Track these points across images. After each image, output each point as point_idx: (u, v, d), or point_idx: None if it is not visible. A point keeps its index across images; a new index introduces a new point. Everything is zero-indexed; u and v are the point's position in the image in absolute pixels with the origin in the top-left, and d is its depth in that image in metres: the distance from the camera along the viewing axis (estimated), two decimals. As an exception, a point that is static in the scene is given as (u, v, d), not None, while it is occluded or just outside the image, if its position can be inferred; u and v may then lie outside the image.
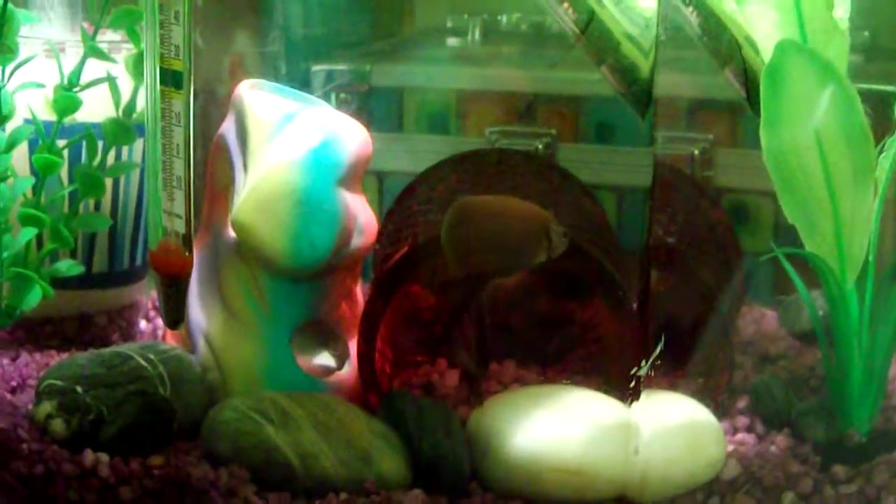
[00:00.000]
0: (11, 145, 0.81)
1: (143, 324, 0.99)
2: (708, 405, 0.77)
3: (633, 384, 0.70)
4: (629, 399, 0.71)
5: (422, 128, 1.03)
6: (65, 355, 0.89)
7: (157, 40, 0.65)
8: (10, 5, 0.78)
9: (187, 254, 0.68)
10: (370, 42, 1.12)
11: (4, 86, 0.80)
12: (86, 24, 0.89)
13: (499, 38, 1.11)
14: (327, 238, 0.78)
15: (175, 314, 0.71)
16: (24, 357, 0.88)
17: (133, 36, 0.83)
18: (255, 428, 0.72)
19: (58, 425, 0.76)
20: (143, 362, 0.78)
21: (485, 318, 0.89)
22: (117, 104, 0.84)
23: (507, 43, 1.11)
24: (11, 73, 0.79)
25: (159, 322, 0.99)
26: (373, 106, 1.02)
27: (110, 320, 0.95)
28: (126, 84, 0.85)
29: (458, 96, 1.03)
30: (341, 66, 1.05)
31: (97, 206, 0.89)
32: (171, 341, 0.88)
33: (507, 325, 0.89)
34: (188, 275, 0.70)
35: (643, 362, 0.70)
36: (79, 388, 0.76)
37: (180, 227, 0.67)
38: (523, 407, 0.74)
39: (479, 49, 1.09)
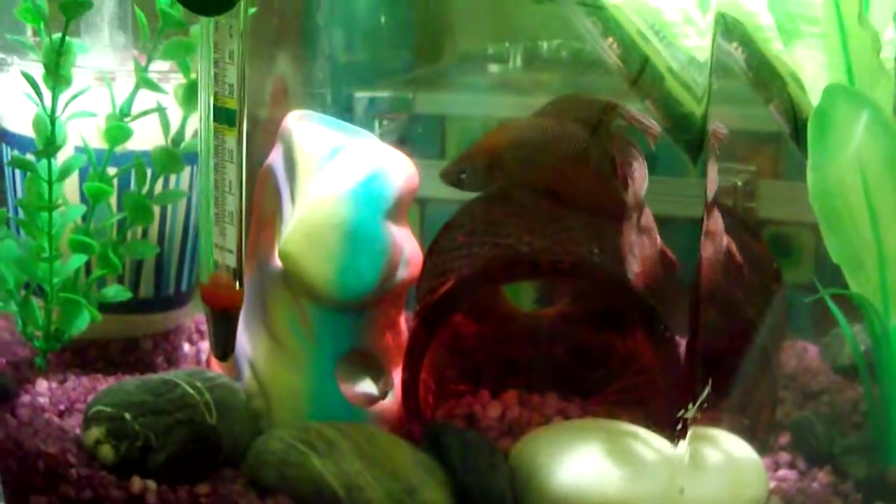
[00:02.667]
0: (64, 174, 0.83)
1: (186, 347, 0.99)
2: (750, 441, 0.77)
3: (679, 426, 0.70)
4: (675, 439, 0.71)
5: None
6: (111, 379, 0.90)
7: (212, 79, 0.65)
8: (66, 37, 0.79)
9: (238, 288, 0.69)
10: (412, 69, 1.13)
11: (59, 116, 0.81)
12: (135, 53, 0.90)
13: (539, 65, 1.11)
14: (373, 270, 0.79)
15: (225, 347, 0.72)
16: (72, 380, 0.90)
17: (184, 67, 0.84)
18: (300, 458, 0.72)
19: (106, 451, 0.77)
20: (190, 390, 0.79)
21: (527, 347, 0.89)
22: (167, 133, 0.85)
23: (547, 70, 1.11)
24: (67, 104, 0.80)
25: (202, 345, 1.00)
26: (415, 133, 1.03)
27: (155, 344, 0.96)
28: (175, 113, 0.85)
29: (499, 124, 1.03)
30: (384, 94, 1.06)
31: (145, 233, 0.90)
32: (216, 368, 0.89)
33: (547, 355, 0.89)
34: (238, 309, 0.71)
35: (690, 404, 0.70)
36: (127, 415, 0.77)
37: (231, 261, 0.69)
38: (566, 441, 0.75)
39: (521, 76, 1.10)
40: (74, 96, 0.80)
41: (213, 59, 0.65)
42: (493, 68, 1.12)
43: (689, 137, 0.75)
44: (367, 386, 0.84)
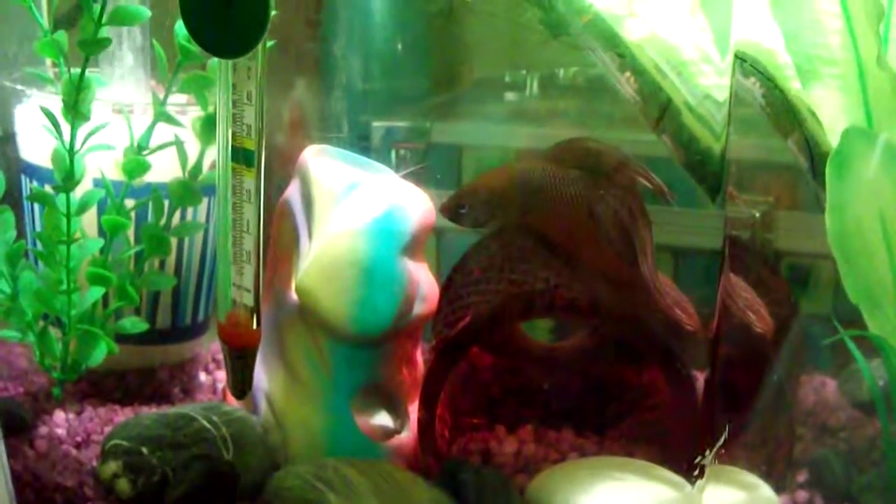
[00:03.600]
0: (83, 208, 0.83)
1: (202, 376, 0.99)
2: (767, 479, 0.77)
3: (697, 470, 0.70)
4: (693, 479, 0.71)
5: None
6: (128, 410, 0.90)
7: (230, 119, 0.65)
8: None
9: (255, 327, 0.69)
10: (428, 97, 1.13)
11: (78, 151, 0.81)
12: (153, 85, 0.90)
13: (556, 93, 1.11)
14: (390, 305, 0.78)
15: (242, 385, 0.72)
16: (89, 411, 0.90)
17: (201, 100, 0.84)
18: (318, 496, 0.72)
19: (123, 485, 0.77)
20: (206, 424, 0.80)
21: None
22: (184, 166, 0.85)
23: (564, 98, 1.11)
24: (86, 139, 0.81)
25: (218, 375, 1.00)
26: (431, 163, 1.03)
27: (172, 374, 0.96)
28: (192, 145, 0.86)
29: (516, 154, 1.03)
30: (401, 123, 1.06)
31: (162, 265, 0.90)
32: (232, 401, 0.89)
33: (563, 389, 0.89)
34: (256, 347, 0.71)
35: (708, 450, 0.70)
36: (144, 449, 0.78)
37: (249, 300, 0.68)
38: (583, 479, 0.75)
39: (537, 104, 1.10)
40: (93, 131, 0.80)
41: (231, 99, 0.65)
42: (510, 96, 1.11)
43: (706, 171, 0.75)
44: (384, 420, 0.83)
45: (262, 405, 0.83)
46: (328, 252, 0.77)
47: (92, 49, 0.78)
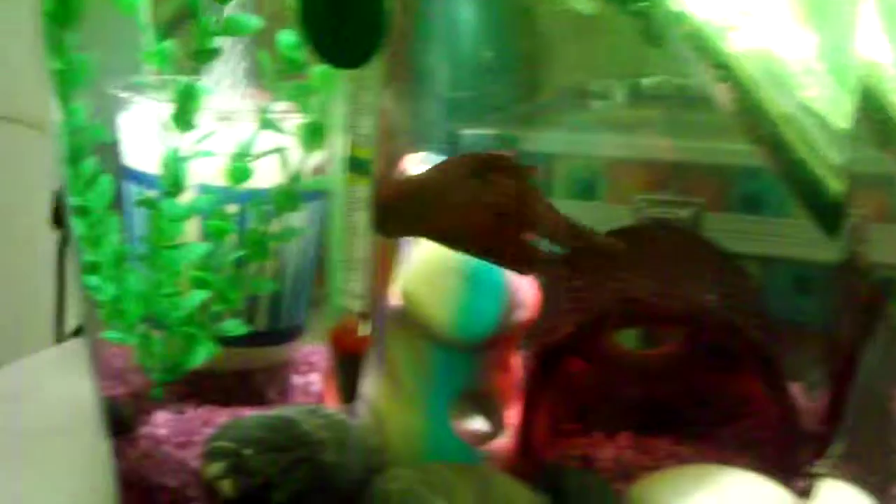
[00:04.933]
0: (190, 213, 0.82)
1: (296, 379, 0.98)
2: (866, 491, 0.75)
3: (806, 480, 0.68)
4: (801, 495, 0.69)
5: (570, 195, 1.02)
6: (227, 411, 0.89)
7: (346, 129, 0.64)
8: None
9: (365, 333, 0.67)
10: (513, 105, 1.11)
11: (185, 159, 0.80)
12: (252, 92, 0.89)
13: (642, 103, 1.09)
14: (493, 311, 0.78)
15: (351, 390, 0.71)
16: (189, 412, 0.89)
17: (305, 108, 0.83)
18: (423, 500, 0.71)
19: (227, 486, 0.76)
20: (308, 427, 0.78)
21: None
22: (286, 173, 0.84)
23: (650, 107, 1.09)
24: (197, 144, 0.80)
25: (311, 377, 0.99)
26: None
27: (268, 377, 0.95)
28: (294, 152, 0.85)
29: (606, 163, 1.02)
30: (489, 131, 1.04)
31: (261, 269, 0.89)
32: (330, 401, 0.87)
33: (657, 396, 0.87)
34: (364, 354, 0.69)
35: (821, 459, 0.68)
36: (247, 452, 0.76)
37: (359, 306, 0.67)
38: (685, 487, 0.73)
39: (625, 114, 1.08)
40: (202, 139, 0.79)
41: (348, 109, 0.63)
42: (597, 105, 1.09)
43: (799, 181, 0.73)
44: (481, 425, 0.81)
45: (362, 408, 0.81)
46: (432, 257, 0.76)
47: (204, 58, 0.77)
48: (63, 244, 1.31)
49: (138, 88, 0.90)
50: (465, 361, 0.81)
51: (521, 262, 0.74)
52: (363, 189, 0.66)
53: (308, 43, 0.63)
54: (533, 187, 0.74)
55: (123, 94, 0.90)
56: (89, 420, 1.00)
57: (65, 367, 1.18)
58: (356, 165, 0.65)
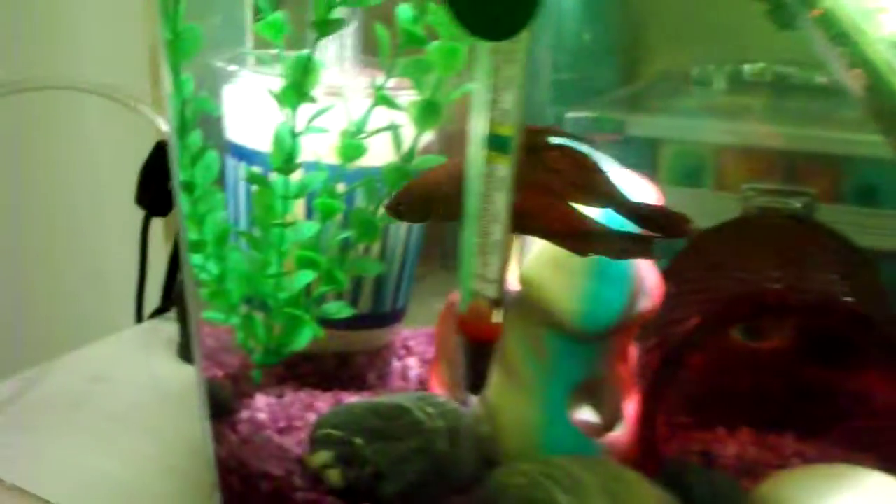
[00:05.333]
0: (302, 191, 0.79)
1: (394, 362, 0.94)
2: None
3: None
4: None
5: (676, 181, 0.98)
6: (328, 395, 0.86)
7: (488, 104, 0.60)
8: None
9: (497, 320, 0.63)
10: (613, 89, 1.07)
11: (299, 134, 0.76)
12: (362, 69, 0.86)
13: (744, 89, 1.05)
14: (618, 299, 0.74)
15: (479, 380, 0.67)
16: (290, 396, 0.85)
17: (419, 85, 0.79)
18: (545, 495, 0.68)
19: (335, 476, 0.73)
20: (421, 415, 0.75)
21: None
22: (398, 151, 0.80)
23: (752, 94, 1.05)
24: (310, 121, 0.76)
25: (409, 362, 0.95)
26: (625, 156, 0.97)
27: (369, 360, 0.92)
28: (407, 130, 0.81)
29: (714, 150, 0.97)
30: (593, 114, 1.00)
31: (367, 250, 0.85)
32: (436, 389, 0.84)
33: (774, 391, 0.83)
34: (495, 342, 0.65)
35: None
36: (357, 440, 0.73)
37: (492, 292, 0.63)
38: (819, 488, 0.68)
39: (732, 100, 1.04)
40: (317, 113, 0.75)
41: (490, 84, 0.59)
42: (697, 90, 1.05)
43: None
44: (599, 417, 0.77)
45: (472, 398, 0.77)
46: None
47: (326, 30, 0.73)
48: (147, 222, 1.28)
49: (244, 61, 0.86)
50: (584, 351, 0.77)
51: (579, 239, 0.69)
52: (503, 168, 0.61)
53: (453, 13, 0.58)
54: (587, 160, 0.69)
55: (230, 67, 0.86)
56: (174, 401, 0.97)
57: (147, 348, 1.14)
58: (496, 143, 0.61)
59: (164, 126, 1.03)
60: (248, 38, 0.90)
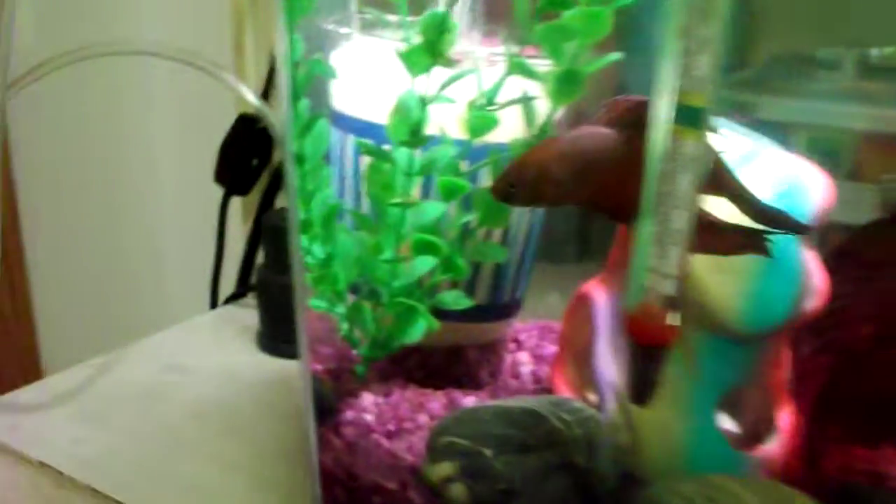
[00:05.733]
0: (428, 168, 0.69)
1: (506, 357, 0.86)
2: None
3: None
4: None
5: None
6: (440, 395, 0.77)
7: (676, 70, 0.50)
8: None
9: (673, 322, 0.54)
10: (731, 70, 0.97)
11: (429, 102, 0.67)
12: (491, 39, 0.76)
13: (873, 74, 0.96)
14: (786, 299, 0.65)
15: (646, 388, 0.58)
16: (397, 394, 0.76)
17: (556, 53, 0.69)
18: (707, 517, 0.57)
19: (459, 491, 0.64)
20: (558, 424, 0.66)
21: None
22: (531, 125, 0.71)
23: (883, 80, 0.95)
24: (443, 88, 0.67)
25: (519, 357, 0.86)
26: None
27: (481, 354, 0.83)
28: (540, 103, 0.71)
29: (853, 137, 0.88)
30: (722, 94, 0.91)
31: (487, 235, 0.76)
32: (561, 390, 0.75)
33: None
34: (669, 346, 0.56)
35: None
36: (487, 451, 0.64)
37: (668, 288, 0.54)
38: None
39: (864, 85, 0.94)
40: (452, 79, 0.66)
41: (680, 46, 0.50)
42: (823, 74, 0.96)
43: None
44: (751, 427, 0.68)
45: (611, 401, 0.69)
46: None
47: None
48: (226, 201, 1.18)
49: (350, 23, 0.77)
50: (739, 354, 0.68)
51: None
52: (693, 145, 0.52)
53: None
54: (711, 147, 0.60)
55: (341, 29, 0.76)
56: (257, 397, 0.88)
57: (222, 336, 1.05)
58: (686, 115, 0.52)
59: (250, 96, 0.93)
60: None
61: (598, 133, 0.63)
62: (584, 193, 0.64)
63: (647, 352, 0.57)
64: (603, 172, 0.63)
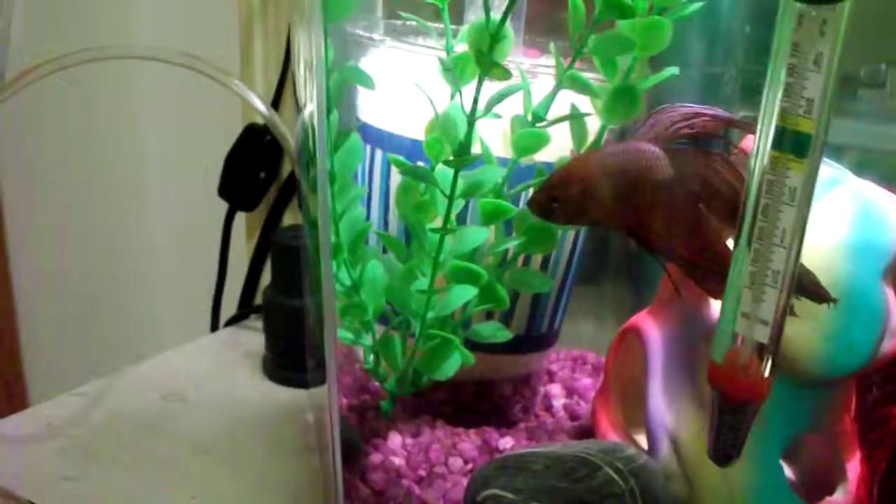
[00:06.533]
0: (473, 190, 0.62)
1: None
2: None
3: None
4: None
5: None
6: (472, 434, 0.69)
7: (780, 89, 0.43)
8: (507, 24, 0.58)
9: (767, 375, 0.47)
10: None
11: (477, 117, 0.60)
12: (531, 50, 0.70)
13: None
14: (867, 340, 0.59)
15: (733, 448, 0.51)
16: (427, 434, 0.69)
17: (607, 68, 0.62)
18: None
19: (507, 549, 0.56)
20: (612, 474, 0.59)
21: None
22: (580, 145, 0.64)
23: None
24: (494, 102, 0.60)
25: (552, 389, 0.80)
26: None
27: (514, 389, 0.76)
28: (591, 121, 0.65)
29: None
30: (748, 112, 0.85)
31: (526, 262, 0.69)
32: (607, 431, 0.68)
33: None
34: (761, 402, 0.49)
35: None
36: (536, 506, 0.56)
37: (762, 336, 0.47)
38: None
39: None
40: (504, 93, 0.59)
41: (786, 64, 0.43)
42: (865, 93, 0.90)
43: None
44: (819, 477, 0.62)
45: (664, 447, 0.63)
46: None
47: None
48: (230, 216, 1.10)
49: (379, 30, 0.70)
50: (807, 398, 0.62)
51: (712, 277, 0.56)
52: (797, 176, 0.45)
53: None
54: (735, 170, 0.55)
55: (374, 36, 0.69)
56: (264, 430, 0.80)
57: (225, 361, 0.97)
58: (790, 142, 0.45)
59: (259, 104, 0.85)
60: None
61: (647, 151, 0.56)
62: (629, 217, 0.57)
63: (735, 408, 0.50)
64: (644, 196, 0.56)
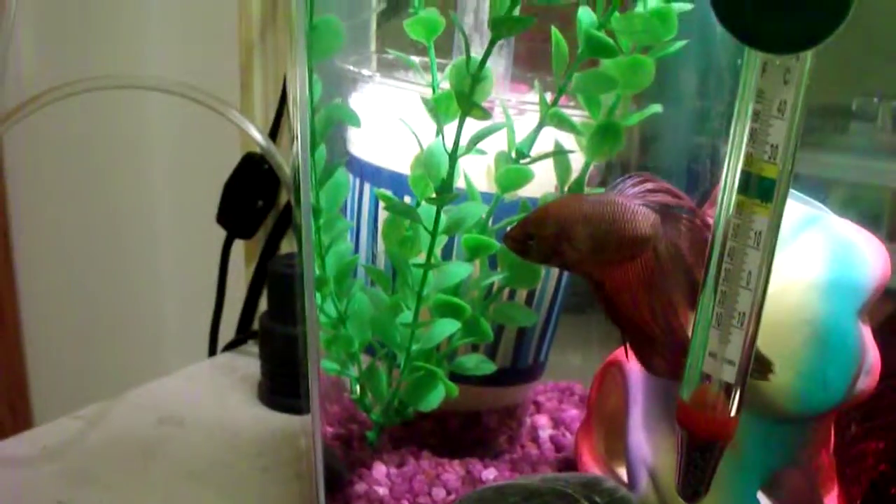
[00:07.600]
0: (455, 227, 0.63)
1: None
2: None
3: None
4: None
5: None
6: (456, 465, 0.70)
7: (746, 135, 0.44)
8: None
9: (733, 414, 0.48)
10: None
11: (460, 155, 0.60)
12: (521, 85, 0.70)
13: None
14: (842, 379, 0.59)
15: (700, 485, 0.51)
16: (411, 465, 0.69)
17: (591, 105, 0.63)
18: None
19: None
20: (592, 508, 0.59)
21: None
22: (563, 181, 0.65)
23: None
24: (476, 141, 0.60)
25: (539, 420, 0.80)
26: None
27: (500, 420, 0.76)
28: (574, 157, 0.65)
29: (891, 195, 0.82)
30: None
31: (511, 295, 0.69)
32: (588, 464, 0.68)
33: None
34: (727, 440, 0.50)
35: None
36: (516, 539, 0.57)
37: (729, 376, 0.47)
38: None
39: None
40: (486, 131, 0.59)
41: (750, 109, 0.43)
42: (857, 126, 0.90)
43: None
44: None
45: (643, 481, 0.63)
46: (772, 307, 0.55)
47: (505, 30, 0.58)
48: (228, 244, 1.11)
49: (370, 65, 0.70)
50: (785, 434, 0.62)
51: (651, 347, 0.57)
52: (761, 221, 0.45)
53: (728, 17, 0.43)
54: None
55: (363, 71, 0.70)
56: (260, 457, 0.81)
57: (221, 386, 0.98)
58: (756, 187, 0.45)
59: (256, 134, 0.86)
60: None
61: (628, 206, 0.57)
62: (599, 270, 0.57)
63: (703, 446, 0.51)
64: (616, 251, 0.57)
